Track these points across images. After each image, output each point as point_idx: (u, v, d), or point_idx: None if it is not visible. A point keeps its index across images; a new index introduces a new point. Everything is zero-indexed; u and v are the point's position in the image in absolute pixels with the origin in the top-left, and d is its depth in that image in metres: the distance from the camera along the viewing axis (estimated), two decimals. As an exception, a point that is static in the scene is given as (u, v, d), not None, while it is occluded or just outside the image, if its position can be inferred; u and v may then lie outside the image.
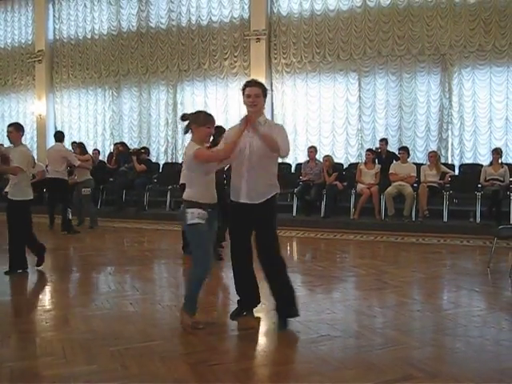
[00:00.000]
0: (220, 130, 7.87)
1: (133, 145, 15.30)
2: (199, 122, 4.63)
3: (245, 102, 4.82)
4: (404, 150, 11.56)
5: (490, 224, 9.53)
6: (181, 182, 7.32)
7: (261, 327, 4.96)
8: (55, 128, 17.22)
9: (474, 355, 4.15)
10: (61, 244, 9.74)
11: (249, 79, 5.05)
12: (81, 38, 16.79)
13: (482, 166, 11.59)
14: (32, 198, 7.13)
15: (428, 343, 4.43)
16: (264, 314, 5.16)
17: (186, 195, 4.66)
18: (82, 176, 11.25)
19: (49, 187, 11.69)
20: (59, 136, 11.10)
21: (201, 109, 16.48)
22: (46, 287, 6.66)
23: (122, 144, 14.57)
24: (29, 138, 17.03)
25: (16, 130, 7.05)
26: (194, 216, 4.51)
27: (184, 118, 4.77)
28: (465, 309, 5.46)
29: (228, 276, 6.25)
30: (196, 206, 4.54)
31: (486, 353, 4.21)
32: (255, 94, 4.74)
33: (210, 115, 4.74)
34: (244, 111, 4.97)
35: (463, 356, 4.13)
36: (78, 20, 16.80)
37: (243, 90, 4.84)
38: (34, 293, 6.51)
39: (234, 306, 5.11)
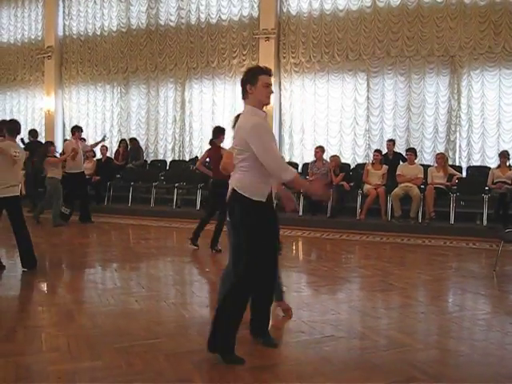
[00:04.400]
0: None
1: (141, 142, 15.57)
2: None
3: (260, 93, 3.95)
4: (411, 151, 11.53)
5: (497, 227, 9.50)
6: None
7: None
8: (63, 124, 17.30)
9: (479, 359, 4.15)
10: (66, 240, 9.79)
11: (262, 66, 4.14)
12: (90, 34, 16.83)
13: (489, 168, 11.57)
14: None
15: (432, 346, 4.43)
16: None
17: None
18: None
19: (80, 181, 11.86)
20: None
21: (208, 107, 16.48)
22: (52, 283, 6.68)
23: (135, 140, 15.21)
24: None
25: None
26: None
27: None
28: (470, 312, 5.46)
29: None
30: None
31: (491, 356, 4.20)
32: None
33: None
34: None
35: (467, 359, 4.12)
36: (88, 16, 16.85)
37: (258, 75, 3.96)
38: (40, 288, 6.54)
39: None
